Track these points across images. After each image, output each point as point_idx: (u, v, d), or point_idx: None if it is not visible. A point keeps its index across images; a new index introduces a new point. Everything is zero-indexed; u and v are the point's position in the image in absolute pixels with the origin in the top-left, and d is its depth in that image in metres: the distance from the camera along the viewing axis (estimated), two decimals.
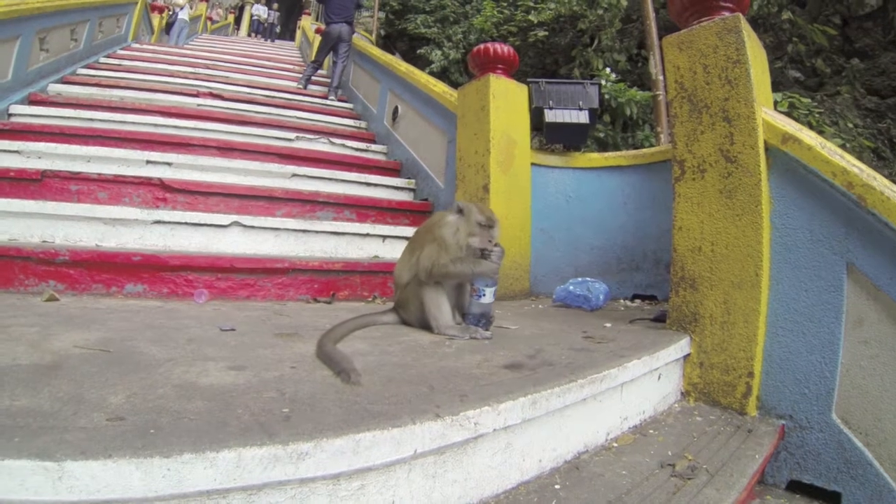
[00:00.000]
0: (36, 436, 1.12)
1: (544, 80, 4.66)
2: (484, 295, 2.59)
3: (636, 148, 8.29)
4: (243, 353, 1.97)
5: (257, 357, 1.92)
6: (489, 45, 4.51)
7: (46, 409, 1.27)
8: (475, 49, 4.58)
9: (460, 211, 2.65)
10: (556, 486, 1.76)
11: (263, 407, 1.40)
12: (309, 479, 1.24)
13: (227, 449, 1.13)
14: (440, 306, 2.58)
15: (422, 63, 13.55)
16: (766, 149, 2.67)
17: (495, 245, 2.62)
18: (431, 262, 2.57)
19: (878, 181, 2.40)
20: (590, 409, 2.06)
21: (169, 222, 3.80)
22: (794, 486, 2.55)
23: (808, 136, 2.61)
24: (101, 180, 4.16)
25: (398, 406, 1.48)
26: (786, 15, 10.33)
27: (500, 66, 4.47)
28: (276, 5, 27.26)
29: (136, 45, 10.83)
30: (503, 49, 4.47)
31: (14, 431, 1.13)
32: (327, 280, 3.69)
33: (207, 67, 9.45)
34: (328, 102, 9.08)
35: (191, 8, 17.31)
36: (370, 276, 3.86)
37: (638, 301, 4.12)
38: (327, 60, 10.37)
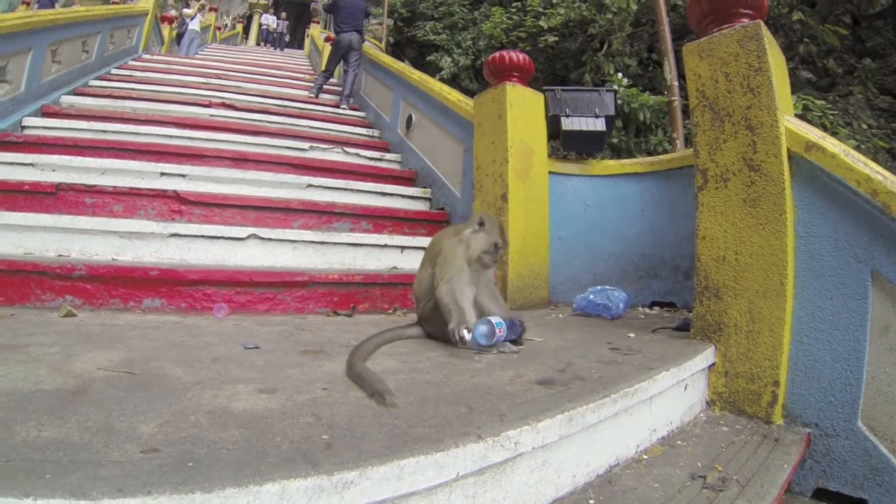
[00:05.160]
0: (68, 471, 1.08)
1: (560, 87, 4.65)
2: (497, 342, 2.51)
3: (650, 153, 8.29)
4: (272, 373, 1.96)
5: (287, 378, 1.90)
6: (504, 53, 4.51)
7: (76, 441, 1.24)
8: (490, 57, 4.58)
9: (482, 224, 2.65)
10: (591, 502, 1.74)
11: (302, 434, 1.37)
12: None
13: (270, 482, 1.10)
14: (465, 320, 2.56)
15: (431, 70, 13.55)
16: (790, 157, 2.65)
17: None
18: (438, 295, 2.59)
19: None
20: (621, 422, 2.03)
21: (185, 235, 3.80)
22: (821, 494, 2.53)
23: (832, 144, 2.59)
24: (116, 193, 4.16)
25: (439, 429, 1.46)
26: (796, 16, 10.30)
27: (515, 73, 4.45)
28: (284, 14, 27.31)
29: (147, 56, 10.91)
30: (518, 57, 4.46)
31: (45, 467, 1.10)
32: (347, 293, 3.68)
33: (219, 77, 9.49)
34: (340, 111, 9.09)
35: (202, 17, 17.38)
36: (390, 287, 3.86)
37: (657, 308, 4.10)
38: (338, 69, 10.38)
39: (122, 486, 1.04)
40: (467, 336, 2.41)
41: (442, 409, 1.63)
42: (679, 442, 2.32)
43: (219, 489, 1.07)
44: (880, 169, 2.49)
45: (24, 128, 5.58)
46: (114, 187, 4.18)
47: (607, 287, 3.84)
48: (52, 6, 14.49)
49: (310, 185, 5.22)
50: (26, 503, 0.98)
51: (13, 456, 1.14)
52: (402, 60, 11.44)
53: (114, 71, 8.65)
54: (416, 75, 7.01)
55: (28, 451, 1.18)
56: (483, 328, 2.46)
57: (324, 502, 1.16)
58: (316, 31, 18.68)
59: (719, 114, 2.83)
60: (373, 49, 10.19)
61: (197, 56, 14.00)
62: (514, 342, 2.59)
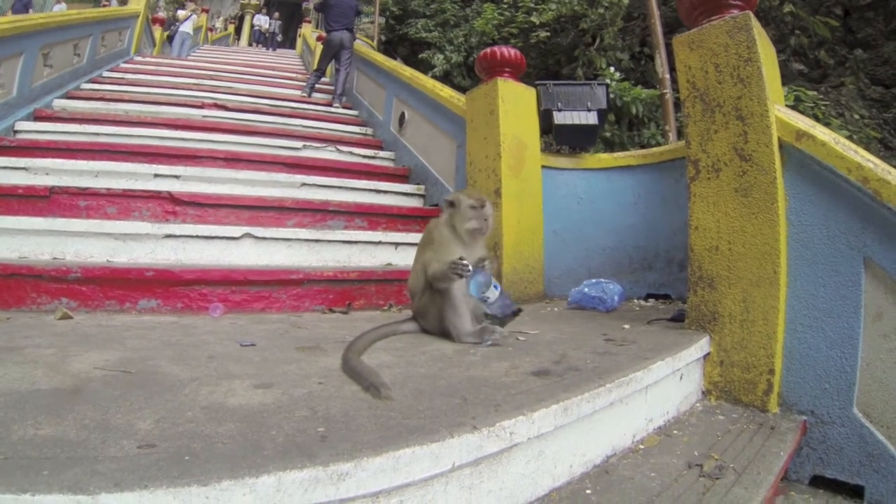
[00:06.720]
0: (66, 467, 1.09)
1: (552, 82, 4.66)
2: (488, 299, 2.55)
3: (643, 146, 8.28)
4: (268, 369, 1.96)
5: (283, 373, 1.91)
6: (496, 48, 4.51)
7: (73, 438, 1.24)
8: (482, 53, 4.58)
9: (451, 204, 2.71)
10: (588, 491, 1.75)
11: (297, 427, 1.38)
12: (349, 499, 1.22)
13: (266, 473, 1.11)
14: (459, 313, 2.56)
15: (424, 67, 13.48)
16: (780, 146, 2.66)
17: (489, 257, 2.66)
18: (432, 272, 2.61)
19: (894, 175, 2.39)
20: (616, 412, 2.05)
21: (180, 236, 3.79)
22: (818, 481, 2.54)
23: (822, 133, 2.60)
24: (110, 195, 4.15)
25: (434, 420, 1.47)
26: (787, 8, 10.29)
27: (507, 69, 4.46)
28: (277, 14, 27.22)
29: (139, 58, 10.88)
30: (510, 52, 4.47)
31: (42, 463, 1.10)
32: (342, 290, 3.68)
33: (211, 78, 9.47)
34: (333, 110, 9.07)
35: (195, 18, 17.32)
36: (385, 284, 3.86)
37: (652, 300, 4.11)
38: (330, 68, 10.36)
39: (120, 480, 1.05)
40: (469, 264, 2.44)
41: (437, 400, 1.64)
42: (675, 431, 2.33)
43: (215, 482, 1.07)
44: (871, 156, 2.51)
45: (16, 132, 5.56)
46: (108, 189, 4.16)
47: (602, 280, 3.85)
48: (26, 11, 14.41)
49: (304, 184, 5.22)
50: (24, 498, 0.99)
51: (11, 454, 1.14)
52: (395, 58, 11.42)
53: (105, 74, 8.63)
54: (408, 73, 7.01)
55: (26, 448, 1.18)
56: (480, 278, 2.49)
57: (320, 493, 1.17)
58: (308, 31, 18.64)
59: (710, 104, 2.84)
60: (364, 47, 10.18)
61: (189, 57, 13.98)
62: (502, 322, 2.62)
